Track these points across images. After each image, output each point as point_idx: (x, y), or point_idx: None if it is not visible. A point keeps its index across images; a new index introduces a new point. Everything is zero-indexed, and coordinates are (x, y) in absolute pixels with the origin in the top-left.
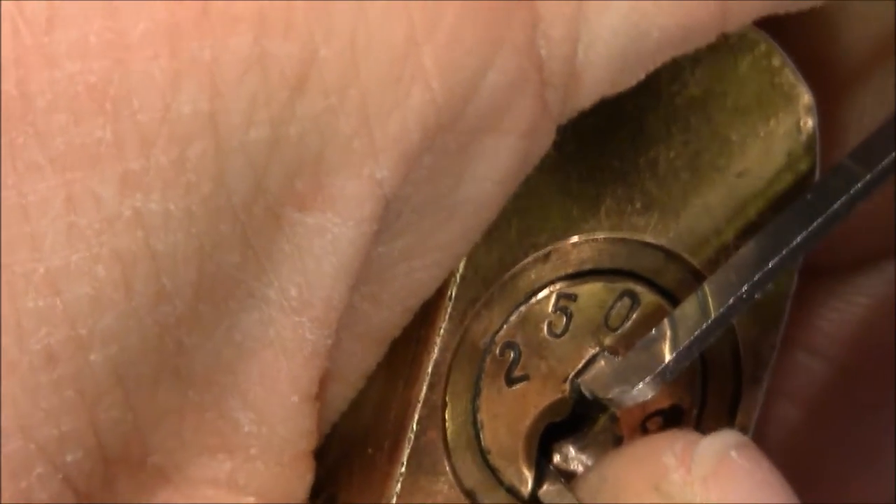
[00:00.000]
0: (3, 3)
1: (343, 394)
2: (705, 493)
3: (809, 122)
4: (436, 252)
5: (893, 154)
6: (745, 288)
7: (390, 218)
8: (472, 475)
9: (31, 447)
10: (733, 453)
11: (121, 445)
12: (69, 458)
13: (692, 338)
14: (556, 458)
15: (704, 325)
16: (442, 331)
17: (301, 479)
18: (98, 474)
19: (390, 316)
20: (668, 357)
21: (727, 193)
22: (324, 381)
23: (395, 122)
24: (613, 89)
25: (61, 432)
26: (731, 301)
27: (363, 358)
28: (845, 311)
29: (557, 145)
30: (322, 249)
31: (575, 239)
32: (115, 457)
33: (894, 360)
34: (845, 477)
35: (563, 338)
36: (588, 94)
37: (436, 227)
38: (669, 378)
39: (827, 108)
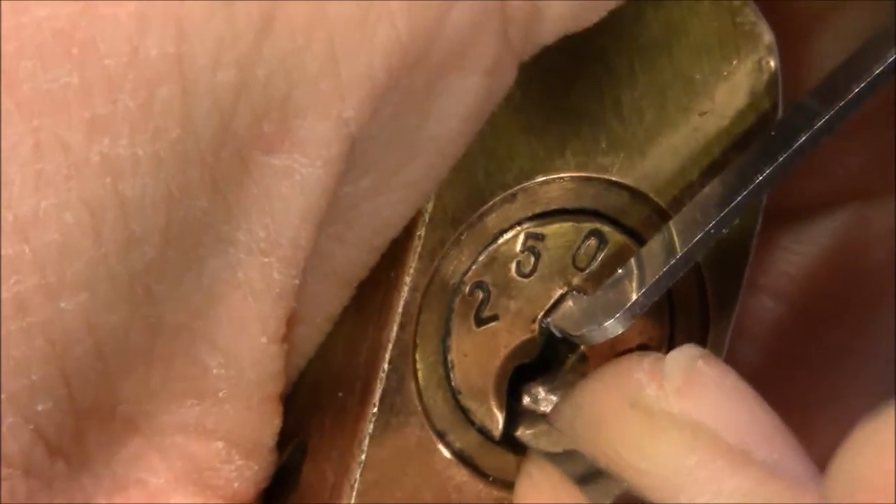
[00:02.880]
0: None
1: (310, 337)
2: (681, 404)
3: (771, 62)
4: (402, 189)
5: (854, 91)
6: (710, 225)
7: (356, 156)
8: (444, 416)
9: (0, 396)
10: (700, 363)
11: (91, 396)
12: (40, 407)
13: (658, 275)
14: (526, 400)
15: (671, 262)
16: (412, 270)
17: (269, 422)
18: (69, 426)
19: (357, 255)
20: (635, 294)
21: (691, 133)
22: (291, 324)
23: (362, 62)
24: (576, 26)
25: (31, 381)
26: (696, 238)
27: (329, 299)
28: (806, 255)
29: (523, 86)
30: (290, 190)
31: (541, 178)
32: (85, 408)
33: (853, 303)
34: (806, 419)
35: (531, 278)
36: (550, 30)
37: (401, 165)
38: (637, 315)
39: (788, 48)
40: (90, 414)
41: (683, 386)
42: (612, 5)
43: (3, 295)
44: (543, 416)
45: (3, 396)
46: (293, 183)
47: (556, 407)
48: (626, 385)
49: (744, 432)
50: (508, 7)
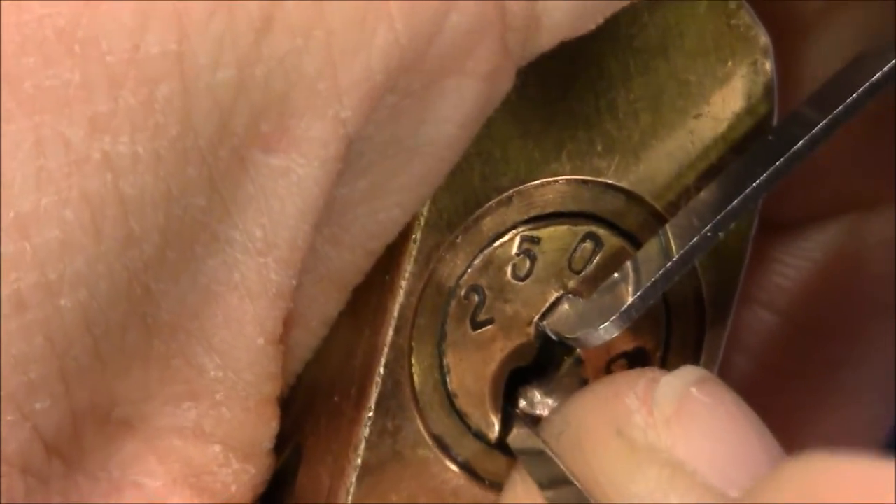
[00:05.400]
0: None
1: (306, 341)
2: (668, 436)
3: (766, 64)
4: (397, 193)
5: (850, 99)
6: (706, 229)
7: (352, 158)
8: (440, 420)
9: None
10: (694, 390)
11: (88, 395)
12: (38, 405)
13: (654, 278)
14: (522, 403)
15: (667, 266)
16: (407, 274)
17: (266, 425)
18: (66, 426)
19: (352, 259)
20: (630, 297)
21: (686, 136)
22: (287, 327)
23: (360, 63)
24: (573, 33)
25: (30, 379)
26: (692, 242)
27: (325, 303)
28: (801, 268)
29: (519, 89)
30: (287, 190)
31: (537, 182)
32: (82, 407)
33: (848, 315)
34: (800, 432)
35: (527, 281)
36: (548, 37)
37: (397, 169)
38: (633, 318)
39: (784, 52)
40: (87, 414)
41: (674, 416)
42: (609, 13)
43: (3, 292)
44: (539, 419)
45: (2, 394)
46: (290, 182)
47: (547, 418)
48: (615, 409)
49: (729, 468)
50: (507, 14)
